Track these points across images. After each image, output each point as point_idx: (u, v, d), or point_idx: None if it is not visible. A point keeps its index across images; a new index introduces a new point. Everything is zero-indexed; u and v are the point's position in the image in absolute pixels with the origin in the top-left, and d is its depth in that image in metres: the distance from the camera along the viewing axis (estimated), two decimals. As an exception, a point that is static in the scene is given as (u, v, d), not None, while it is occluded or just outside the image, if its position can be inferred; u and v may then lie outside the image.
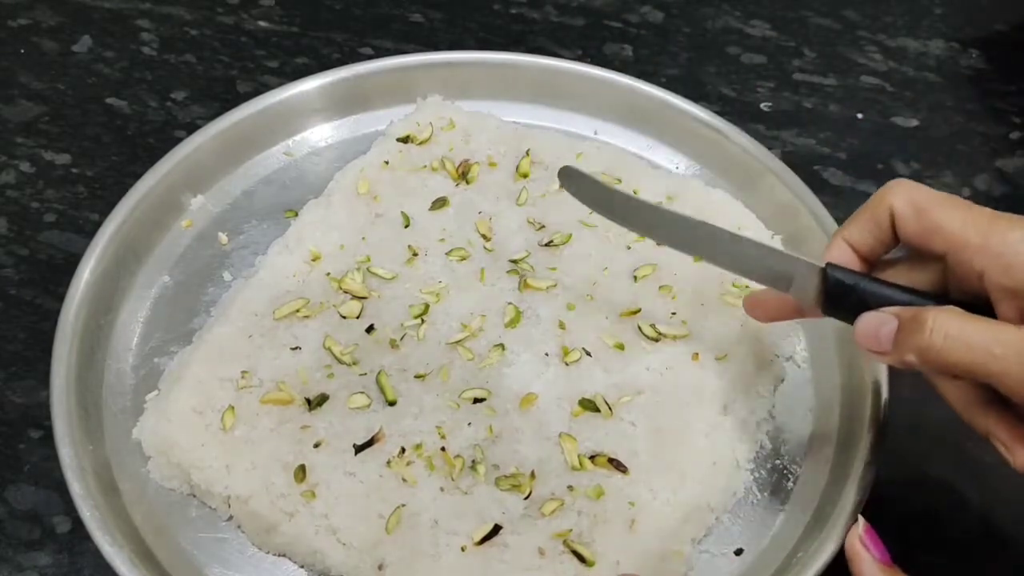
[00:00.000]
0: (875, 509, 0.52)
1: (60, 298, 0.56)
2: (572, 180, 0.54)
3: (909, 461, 0.55)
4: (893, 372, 0.53)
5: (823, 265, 0.46)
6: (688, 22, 0.80)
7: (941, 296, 0.44)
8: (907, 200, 0.45)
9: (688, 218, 0.49)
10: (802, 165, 0.63)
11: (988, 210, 0.43)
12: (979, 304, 0.42)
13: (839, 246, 0.47)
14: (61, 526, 0.53)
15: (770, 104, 0.74)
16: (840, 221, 0.60)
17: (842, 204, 0.67)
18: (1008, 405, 0.43)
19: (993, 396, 0.43)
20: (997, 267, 0.41)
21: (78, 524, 0.52)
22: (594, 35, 0.78)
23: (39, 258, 0.64)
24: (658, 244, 0.50)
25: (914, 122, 0.74)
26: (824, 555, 0.47)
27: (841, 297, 0.45)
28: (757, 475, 0.54)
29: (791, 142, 0.71)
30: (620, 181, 0.64)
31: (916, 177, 0.70)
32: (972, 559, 0.53)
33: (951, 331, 0.41)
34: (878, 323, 0.43)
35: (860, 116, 0.74)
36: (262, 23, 0.78)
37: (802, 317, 0.50)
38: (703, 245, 0.50)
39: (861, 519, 0.43)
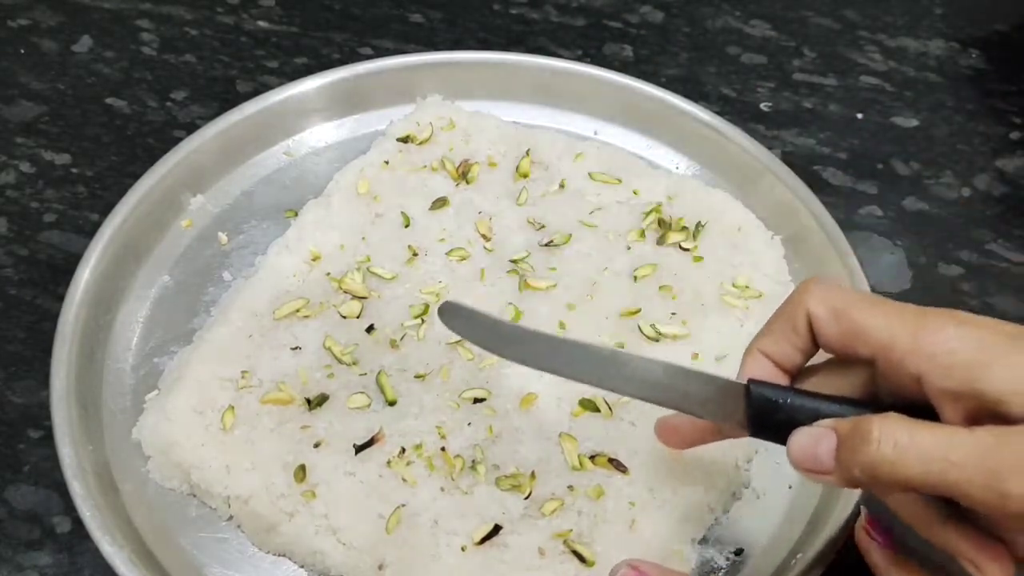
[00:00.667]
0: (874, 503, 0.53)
1: (60, 298, 0.56)
2: (452, 316, 0.46)
3: None
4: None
5: (744, 383, 0.41)
6: (688, 22, 0.80)
7: (873, 403, 0.40)
8: (824, 303, 0.41)
9: (593, 347, 0.44)
10: (802, 165, 0.63)
11: (913, 307, 0.40)
12: (916, 408, 0.38)
13: (757, 360, 0.43)
14: (61, 526, 0.53)
15: (770, 104, 0.74)
16: (840, 221, 0.60)
17: (842, 204, 0.68)
18: (968, 517, 0.39)
19: (951, 509, 0.39)
20: (935, 370, 0.38)
21: (78, 524, 0.52)
22: (594, 35, 0.78)
23: (39, 258, 0.64)
24: (557, 376, 0.45)
25: (914, 122, 0.74)
26: (824, 555, 0.48)
27: (768, 416, 0.41)
28: (756, 476, 0.54)
29: (791, 142, 0.71)
30: (620, 181, 0.64)
31: (916, 177, 0.70)
32: None
33: (900, 440, 0.36)
34: (814, 441, 0.39)
35: (860, 116, 0.74)
36: (262, 23, 0.78)
37: (722, 439, 0.46)
38: (612, 377, 0.44)
39: (864, 510, 0.42)
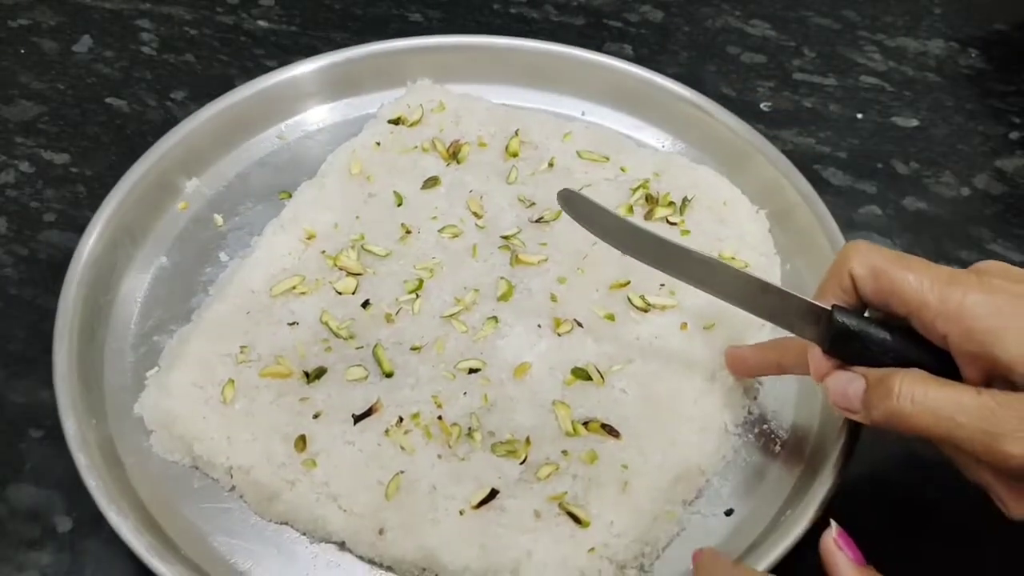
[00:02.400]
0: (872, 497, 0.55)
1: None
2: (572, 205, 0.53)
3: (905, 448, 0.56)
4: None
5: (828, 307, 0.46)
6: (688, 21, 0.80)
7: (933, 347, 0.44)
8: (864, 264, 0.45)
9: (698, 253, 0.49)
10: (802, 165, 0.64)
11: (947, 269, 0.43)
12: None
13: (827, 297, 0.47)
14: (62, 526, 0.53)
15: (770, 104, 0.74)
16: (841, 222, 0.61)
17: (841, 203, 0.68)
18: None
19: None
20: (958, 331, 0.42)
21: (79, 524, 0.53)
22: (594, 34, 0.78)
23: (39, 258, 0.64)
24: (666, 274, 0.50)
25: (914, 122, 0.74)
26: (809, 515, 0.49)
27: (844, 339, 0.45)
28: (745, 439, 0.55)
29: (791, 142, 0.72)
30: (608, 159, 0.65)
31: (916, 177, 0.70)
32: (968, 546, 0.53)
33: (916, 396, 0.41)
34: (846, 382, 0.45)
35: (860, 116, 0.74)
36: (262, 23, 0.79)
37: (781, 373, 0.53)
38: (713, 281, 0.49)
39: (834, 523, 0.43)
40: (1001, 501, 0.43)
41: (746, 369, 0.54)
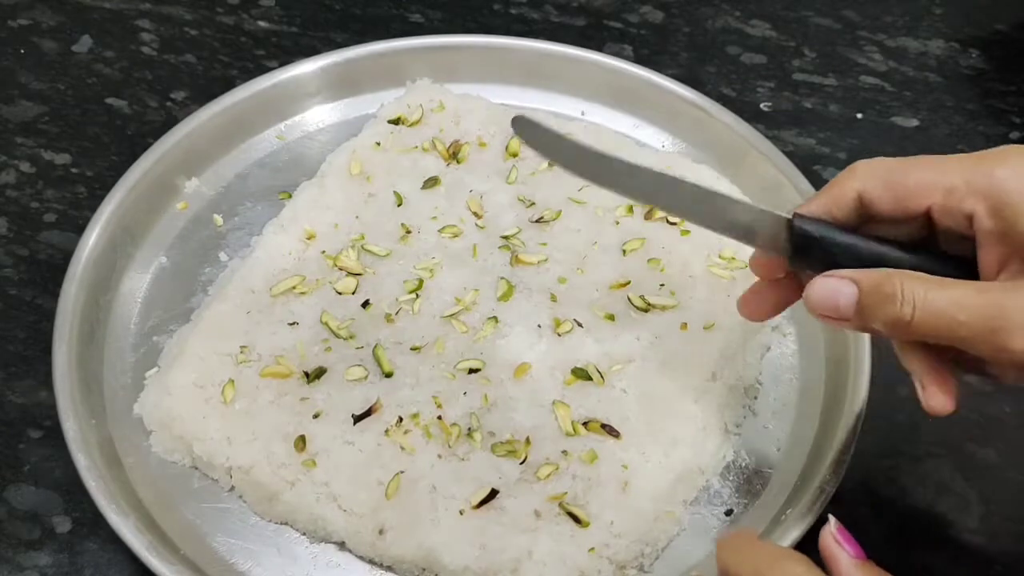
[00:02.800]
0: (874, 509, 0.54)
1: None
2: (525, 129, 0.50)
3: (908, 461, 0.56)
4: (876, 343, 0.55)
5: (790, 216, 0.44)
6: (688, 22, 0.80)
7: (907, 246, 0.44)
8: (873, 178, 0.43)
9: (650, 169, 0.47)
10: (802, 165, 0.64)
11: (967, 155, 0.42)
12: (940, 258, 0.43)
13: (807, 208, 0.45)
14: (61, 526, 0.53)
15: (770, 104, 0.74)
16: None
17: None
18: (931, 348, 0.43)
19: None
20: (985, 208, 0.41)
21: (78, 524, 0.53)
22: (594, 35, 0.78)
23: (39, 258, 0.64)
24: (617, 194, 0.48)
25: (914, 122, 0.74)
26: (809, 515, 0.49)
27: (808, 249, 0.44)
28: (745, 439, 0.55)
29: (791, 142, 0.71)
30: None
31: None
32: (971, 559, 0.53)
33: (918, 300, 0.40)
34: (834, 290, 0.42)
35: (860, 116, 0.74)
36: (262, 23, 0.79)
37: (790, 304, 0.49)
38: (666, 196, 0.47)
39: (832, 518, 0.42)
40: (923, 388, 0.43)
41: (758, 308, 0.49)
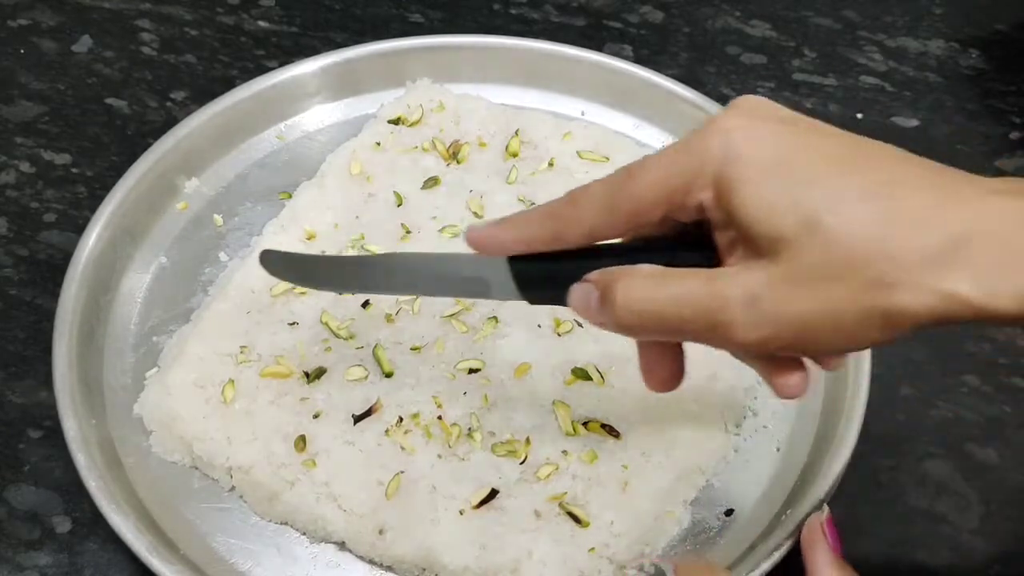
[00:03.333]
0: (873, 510, 0.54)
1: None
2: (271, 263, 0.50)
3: (908, 461, 0.56)
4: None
5: (504, 258, 0.42)
6: (688, 22, 0.80)
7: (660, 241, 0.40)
8: (593, 208, 0.39)
9: (380, 257, 0.46)
10: None
11: (683, 141, 0.38)
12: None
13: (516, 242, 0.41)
14: (61, 526, 0.53)
15: None
16: None
17: None
18: None
19: None
20: (712, 195, 0.37)
21: (78, 524, 0.53)
22: (594, 35, 0.78)
23: (39, 258, 0.64)
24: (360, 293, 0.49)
25: (914, 122, 0.74)
26: (809, 515, 0.49)
27: (536, 283, 0.42)
28: (745, 439, 0.55)
29: None
30: (608, 159, 0.65)
31: None
32: (971, 559, 0.53)
33: (634, 305, 0.37)
34: (584, 294, 0.39)
35: (860, 116, 0.74)
36: (262, 23, 0.79)
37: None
38: (397, 282, 0.46)
39: (826, 507, 0.42)
40: (768, 381, 0.40)
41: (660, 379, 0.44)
